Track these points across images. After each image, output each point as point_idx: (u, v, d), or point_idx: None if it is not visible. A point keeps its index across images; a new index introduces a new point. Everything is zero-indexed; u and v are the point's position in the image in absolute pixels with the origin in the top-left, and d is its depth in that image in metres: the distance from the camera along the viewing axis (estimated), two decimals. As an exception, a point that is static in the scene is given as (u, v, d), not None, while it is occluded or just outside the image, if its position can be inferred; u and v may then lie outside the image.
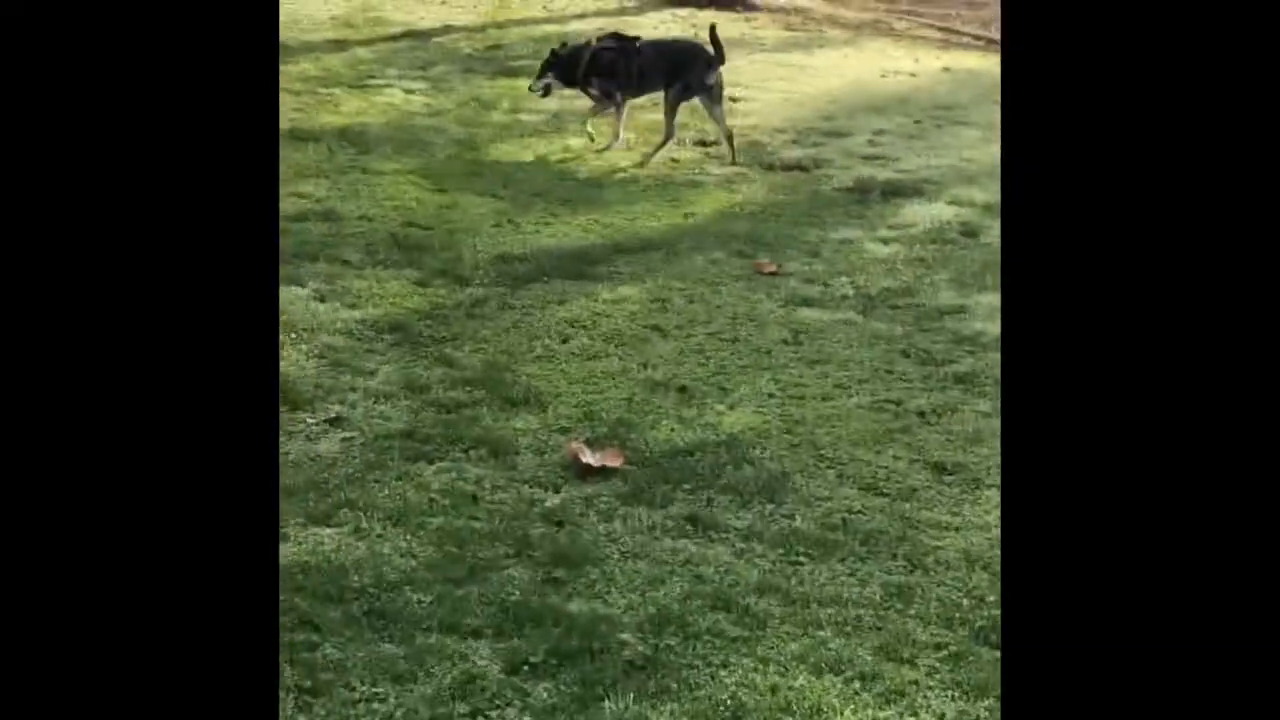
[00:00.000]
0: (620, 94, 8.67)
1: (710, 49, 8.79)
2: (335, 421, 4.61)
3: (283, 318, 5.45)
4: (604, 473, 4.37)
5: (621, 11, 16.09)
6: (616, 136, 8.75)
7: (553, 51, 8.83)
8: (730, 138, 8.71)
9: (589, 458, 4.43)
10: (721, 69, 8.70)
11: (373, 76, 10.68)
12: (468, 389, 4.95)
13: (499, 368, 5.16)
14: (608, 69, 8.56)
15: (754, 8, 17.20)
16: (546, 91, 8.73)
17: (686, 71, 8.55)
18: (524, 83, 9.55)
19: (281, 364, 5.03)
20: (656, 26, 14.84)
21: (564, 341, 5.48)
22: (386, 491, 4.16)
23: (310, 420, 4.62)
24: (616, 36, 8.90)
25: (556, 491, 4.26)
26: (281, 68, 10.70)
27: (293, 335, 5.30)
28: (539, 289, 6.07)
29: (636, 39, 8.93)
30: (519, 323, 5.65)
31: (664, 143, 8.58)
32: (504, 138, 8.92)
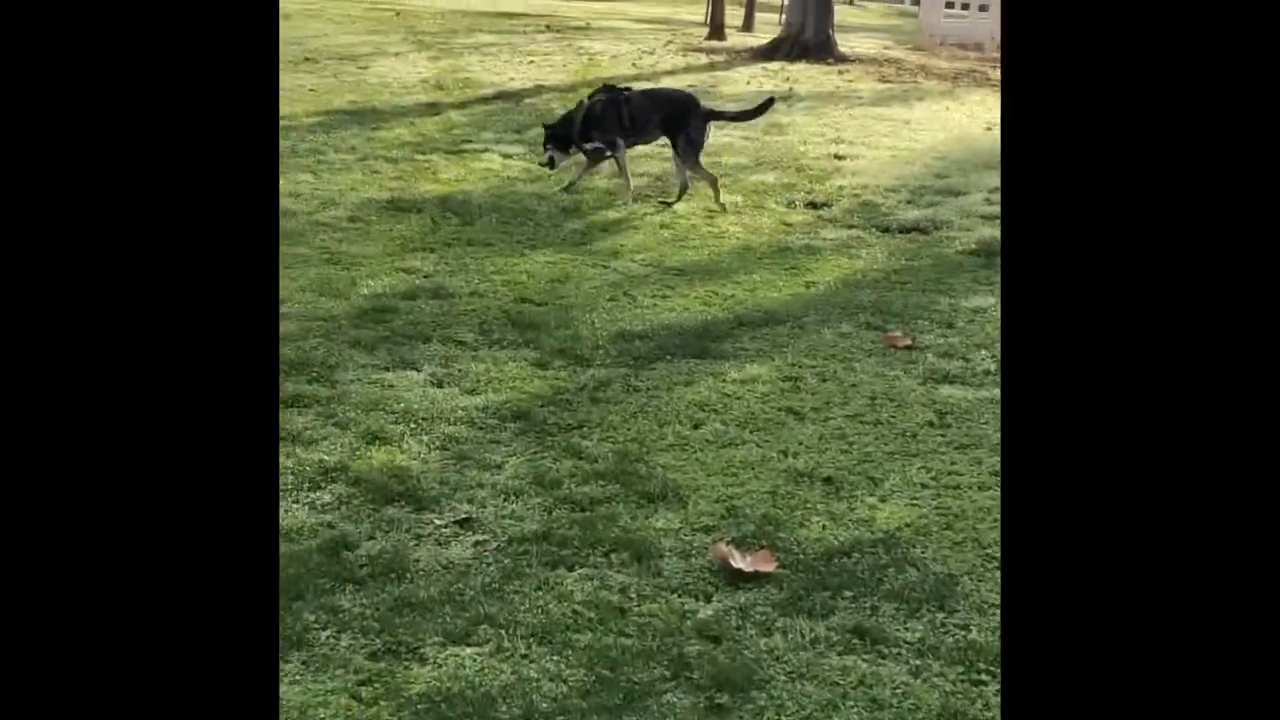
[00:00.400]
0: (617, 143, 8.72)
1: (696, 99, 9.01)
2: (465, 523, 4.32)
3: (400, 406, 5.20)
4: (756, 578, 4.05)
5: (711, 67, 15.90)
6: (627, 185, 8.82)
7: (545, 125, 8.97)
8: (684, 190, 8.73)
9: (739, 562, 4.11)
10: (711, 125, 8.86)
11: (468, 141, 10.52)
12: (600, 483, 4.65)
13: (631, 458, 4.86)
14: (599, 122, 8.63)
15: (845, 59, 16.97)
16: (552, 164, 8.82)
17: (685, 123, 8.62)
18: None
19: (402, 458, 4.76)
20: (749, 81, 14.62)
21: (696, 427, 5.18)
22: (527, 604, 3.86)
23: (439, 522, 4.33)
24: (606, 89, 9.00)
25: (708, 601, 3.94)
26: (376, 134, 10.58)
27: (412, 425, 5.04)
28: (663, 369, 5.77)
29: (627, 89, 8.98)
30: (646, 407, 5.35)
31: (718, 192, 8.59)
32: (608, 204, 8.67)
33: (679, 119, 8.62)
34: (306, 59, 14.60)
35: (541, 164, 8.93)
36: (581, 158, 8.86)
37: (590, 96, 8.90)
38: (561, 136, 8.72)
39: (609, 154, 8.78)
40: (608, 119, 8.60)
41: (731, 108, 9.39)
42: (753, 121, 9.20)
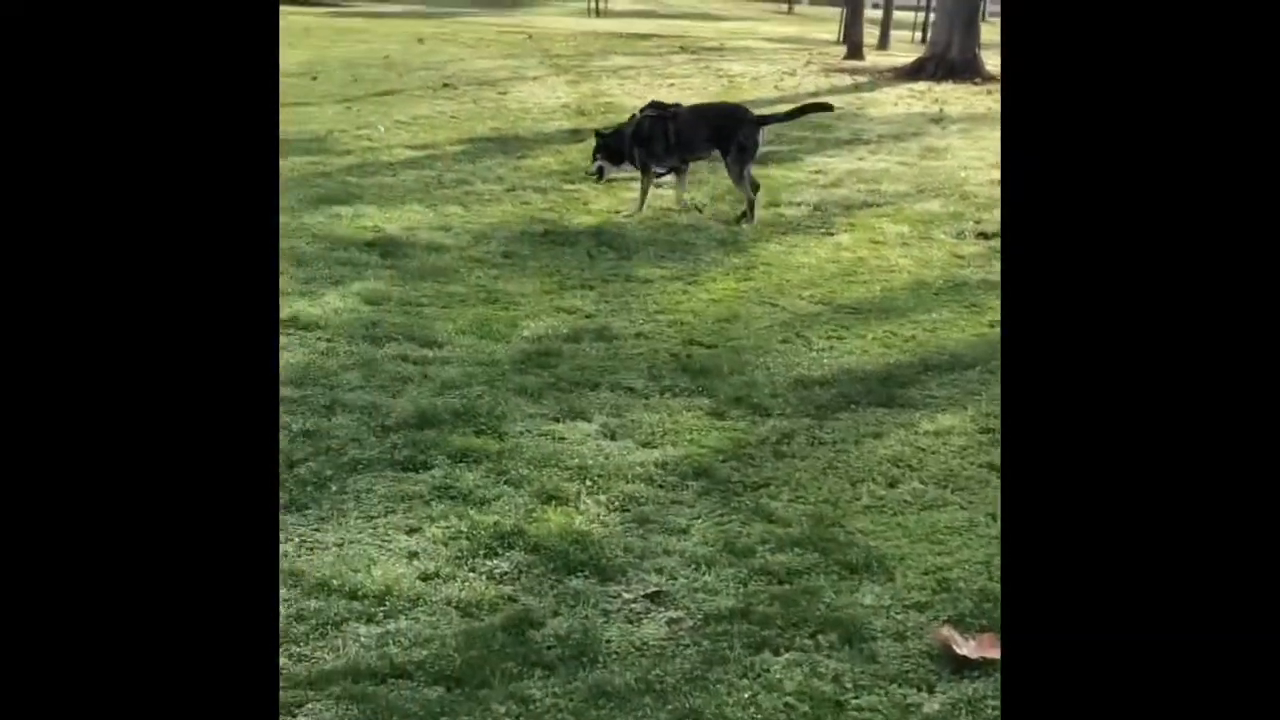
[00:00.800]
0: (663, 161, 8.66)
1: (746, 109, 8.83)
2: (656, 597, 3.97)
3: (573, 461, 4.88)
4: (983, 665, 3.65)
5: (856, 88, 15.48)
6: (639, 207, 8.67)
7: (597, 134, 8.91)
8: (752, 204, 8.47)
9: (963, 647, 3.71)
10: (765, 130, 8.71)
11: (616, 169, 10.21)
12: (797, 551, 4.27)
13: (826, 522, 4.48)
14: (647, 138, 8.56)
15: (992, 79, 16.43)
16: (600, 174, 8.78)
17: (735, 133, 8.45)
18: (776, 171, 8.98)
19: (581, 520, 4.43)
20: (896, 102, 14.20)
21: (892, 486, 4.79)
22: (734, 696, 3.49)
23: (627, 595, 3.99)
24: (655, 105, 8.93)
25: (931, 692, 3.55)
26: (521, 162, 10.32)
27: (588, 483, 4.71)
28: (849, 419, 5.39)
29: (675, 106, 8.89)
30: (835, 463, 4.97)
31: (751, 208, 8.45)
32: (769, 236, 8.31)
33: (727, 131, 8.46)
34: (445, 84, 14.44)
35: (589, 173, 8.89)
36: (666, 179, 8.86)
37: (641, 111, 8.83)
38: (614, 149, 8.68)
39: (662, 171, 8.73)
40: (655, 137, 8.54)
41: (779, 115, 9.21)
42: (902, 143, 8.90)
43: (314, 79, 14.76)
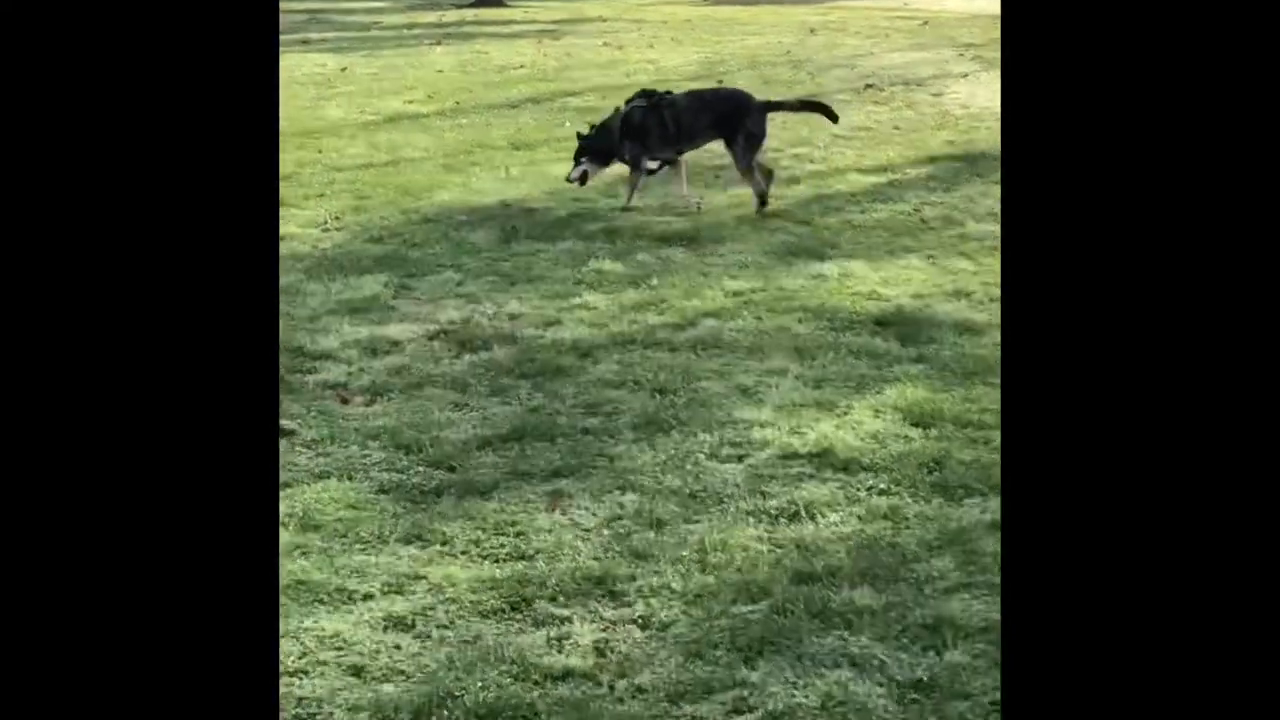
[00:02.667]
0: (659, 154, 8.03)
1: (749, 94, 8.37)
2: None
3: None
4: None
5: None
6: (629, 197, 8.02)
7: (579, 135, 8.10)
8: (764, 193, 7.86)
9: None
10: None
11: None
12: None
13: None
14: (640, 129, 7.92)
15: None
16: (584, 179, 8.05)
17: (742, 119, 7.92)
18: None
19: None
20: None
21: None
22: None
23: None
24: (645, 94, 8.22)
25: None
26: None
27: None
28: None
29: (668, 93, 8.21)
30: None
31: (763, 198, 7.87)
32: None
33: (734, 117, 7.91)
34: (868, 85, 12.62)
35: (570, 180, 8.04)
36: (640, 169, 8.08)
37: (628, 102, 8.12)
38: (600, 149, 7.97)
39: (647, 165, 8.03)
40: (649, 128, 7.89)
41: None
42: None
43: (719, 82, 13.19)
